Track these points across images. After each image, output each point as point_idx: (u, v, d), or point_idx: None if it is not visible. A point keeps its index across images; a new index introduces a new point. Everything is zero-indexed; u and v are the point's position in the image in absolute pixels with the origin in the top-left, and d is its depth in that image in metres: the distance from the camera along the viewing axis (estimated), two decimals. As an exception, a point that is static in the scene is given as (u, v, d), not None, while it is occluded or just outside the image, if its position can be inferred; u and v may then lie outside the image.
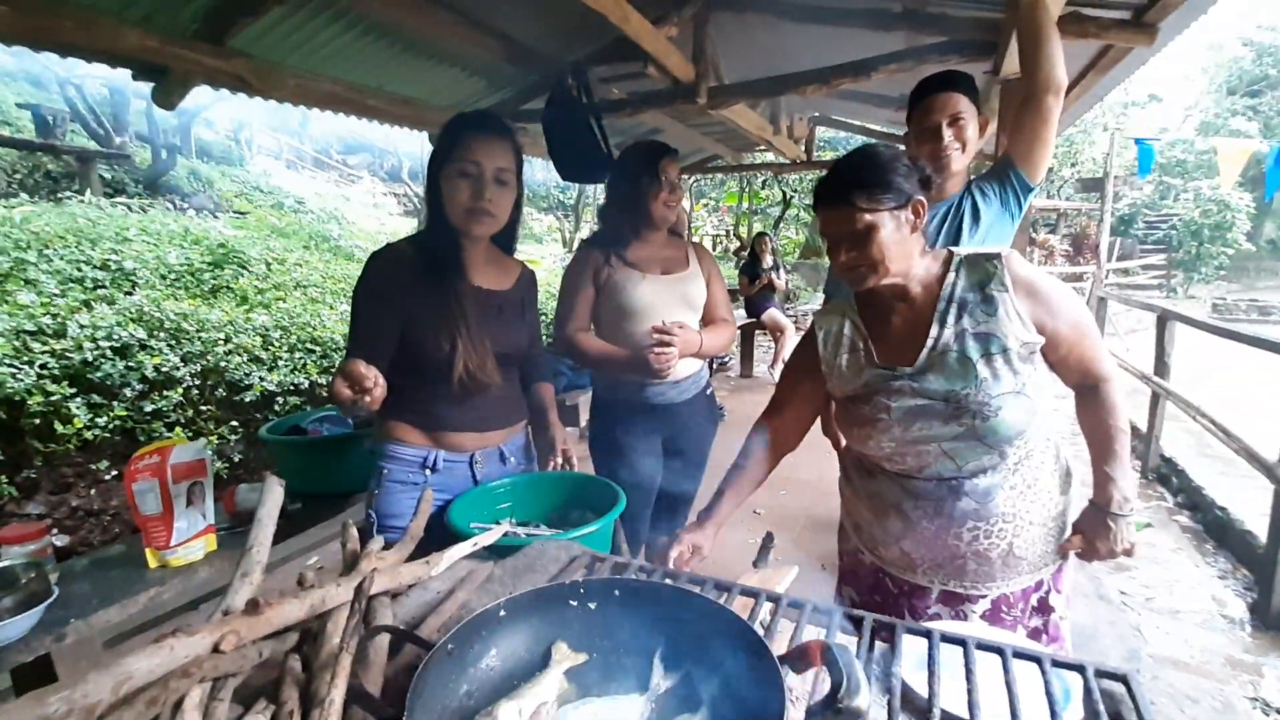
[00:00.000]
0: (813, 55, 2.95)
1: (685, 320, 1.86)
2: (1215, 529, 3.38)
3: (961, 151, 1.54)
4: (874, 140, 1.30)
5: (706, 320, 1.98)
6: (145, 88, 2.36)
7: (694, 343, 1.82)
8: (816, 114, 5.38)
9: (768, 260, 6.84)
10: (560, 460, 1.58)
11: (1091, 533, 1.17)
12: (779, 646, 0.75)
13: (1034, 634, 1.23)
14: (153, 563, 1.60)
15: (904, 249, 1.10)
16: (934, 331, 1.13)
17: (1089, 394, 1.17)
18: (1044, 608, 1.24)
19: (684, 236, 2.07)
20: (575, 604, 0.78)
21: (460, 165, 1.36)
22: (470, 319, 1.42)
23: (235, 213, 9.24)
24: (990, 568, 1.17)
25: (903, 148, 1.34)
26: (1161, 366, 4.34)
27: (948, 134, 1.52)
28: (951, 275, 1.14)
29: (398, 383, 1.30)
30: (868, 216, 1.06)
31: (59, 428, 2.92)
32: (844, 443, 1.81)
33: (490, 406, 1.50)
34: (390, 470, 1.43)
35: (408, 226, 13.86)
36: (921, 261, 1.15)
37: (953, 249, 1.18)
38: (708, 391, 2.05)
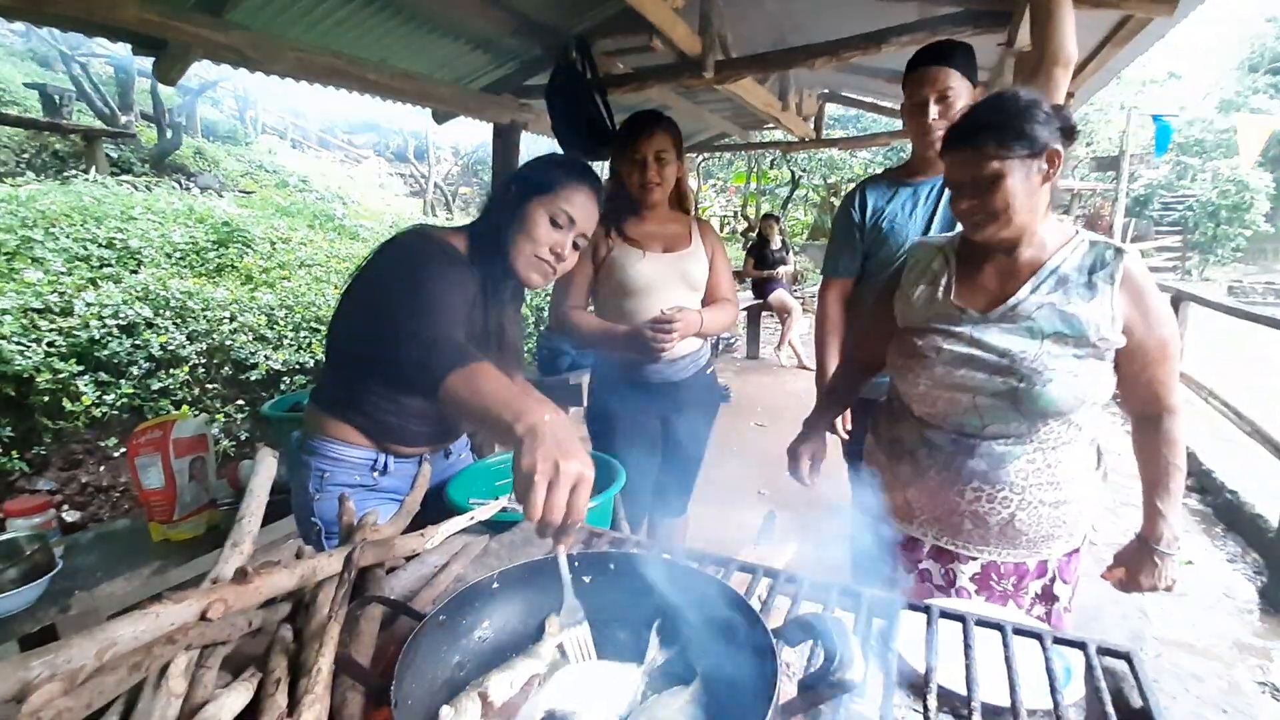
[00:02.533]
0: (822, 27, 2.88)
1: (686, 299, 1.84)
2: (1225, 512, 3.35)
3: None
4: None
5: (709, 299, 1.93)
6: (151, 70, 2.35)
7: (694, 323, 1.78)
8: (826, 90, 5.27)
9: (776, 242, 6.76)
10: None
11: (1136, 566, 1.17)
12: (774, 621, 0.74)
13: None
14: (156, 536, 1.62)
15: (1030, 201, 1.06)
16: (1022, 293, 1.11)
17: (1150, 424, 1.15)
18: (1048, 596, 1.23)
19: (690, 211, 2.01)
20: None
21: (553, 208, 1.23)
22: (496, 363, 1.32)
23: (240, 191, 9.24)
24: (985, 531, 1.18)
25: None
26: (1174, 348, 4.27)
27: (934, 110, 1.49)
28: (1065, 250, 1.11)
29: (359, 386, 1.23)
30: (995, 163, 1.03)
31: (68, 405, 2.95)
32: (849, 428, 1.81)
33: (454, 419, 1.39)
34: (332, 473, 1.28)
35: (413, 207, 13.81)
36: (1046, 224, 1.12)
37: (1079, 230, 1.15)
38: (708, 371, 2.02)
